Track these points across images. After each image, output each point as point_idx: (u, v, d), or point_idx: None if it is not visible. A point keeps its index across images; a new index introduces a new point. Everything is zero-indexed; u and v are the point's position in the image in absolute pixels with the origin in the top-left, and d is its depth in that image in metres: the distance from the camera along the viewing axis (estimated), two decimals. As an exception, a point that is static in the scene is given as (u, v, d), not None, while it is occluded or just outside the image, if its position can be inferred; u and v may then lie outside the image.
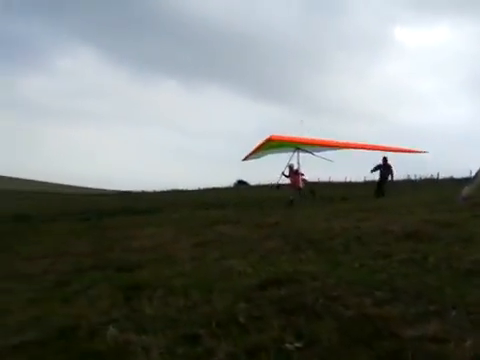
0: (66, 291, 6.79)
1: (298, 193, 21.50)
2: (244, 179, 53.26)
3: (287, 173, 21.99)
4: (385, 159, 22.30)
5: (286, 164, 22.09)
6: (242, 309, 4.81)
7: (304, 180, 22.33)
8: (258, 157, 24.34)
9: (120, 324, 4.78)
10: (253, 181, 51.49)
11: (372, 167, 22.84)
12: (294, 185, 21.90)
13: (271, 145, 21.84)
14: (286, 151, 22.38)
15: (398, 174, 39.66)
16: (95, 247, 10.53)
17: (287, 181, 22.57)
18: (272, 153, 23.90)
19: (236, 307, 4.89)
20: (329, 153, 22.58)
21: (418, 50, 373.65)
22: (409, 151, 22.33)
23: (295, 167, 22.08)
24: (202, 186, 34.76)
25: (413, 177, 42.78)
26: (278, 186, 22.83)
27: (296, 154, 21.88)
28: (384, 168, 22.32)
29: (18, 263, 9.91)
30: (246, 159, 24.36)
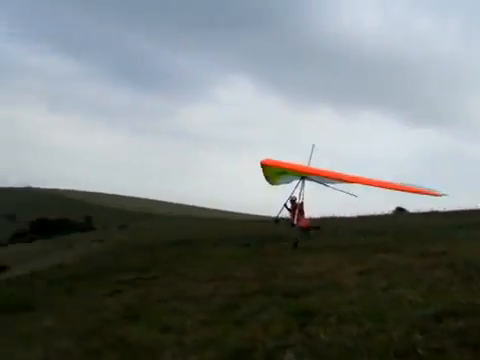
0: (236, 314, 7.01)
1: (297, 230, 18.33)
2: (403, 206, 51.62)
3: (290, 206, 19.12)
4: None
5: (289, 195, 19.34)
6: (419, 340, 4.68)
7: (301, 217, 18.70)
8: (284, 183, 21.80)
9: (296, 349, 4.85)
10: (413, 208, 49.60)
11: None
12: (290, 220, 18.87)
13: (273, 171, 19.84)
14: (294, 179, 19.76)
15: None
16: (258, 272, 10.75)
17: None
18: (285, 180, 20.53)
19: (413, 338, 4.76)
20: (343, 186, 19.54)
21: None
22: (427, 193, 18.81)
23: (297, 200, 19.06)
24: (360, 213, 34.14)
25: None
26: (277, 220, 19.66)
27: (301, 184, 19.07)
28: None
29: (184, 285, 10.42)
30: (272, 184, 22.13)
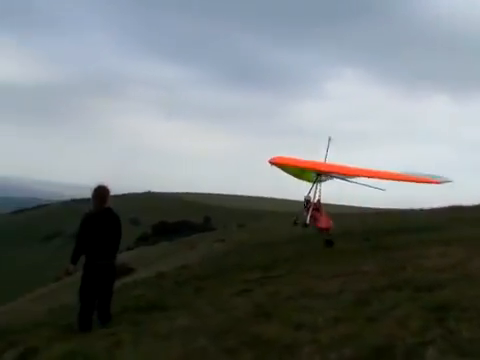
0: (368, 310, 6.94)
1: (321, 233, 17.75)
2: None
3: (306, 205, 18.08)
4: None
5: (306, 194, 18.38)
6: None
7: (319, 216, 17.83)
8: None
9: (437, 345, 4.76)
10: None
11: None
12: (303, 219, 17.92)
13: (287, 170, 19.21)
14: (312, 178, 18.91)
15: None
16: (384, 266, 10.55)
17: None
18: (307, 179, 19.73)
19: None
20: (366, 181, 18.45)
21: None
22: (426, 181, 17.52)
23: (313, 199, 18.08)
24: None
25: None
26: (295, 222, 18.95)
27: (317, 182, 18.42)
28: None
29: (310, 282, 10.40)
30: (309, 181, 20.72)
